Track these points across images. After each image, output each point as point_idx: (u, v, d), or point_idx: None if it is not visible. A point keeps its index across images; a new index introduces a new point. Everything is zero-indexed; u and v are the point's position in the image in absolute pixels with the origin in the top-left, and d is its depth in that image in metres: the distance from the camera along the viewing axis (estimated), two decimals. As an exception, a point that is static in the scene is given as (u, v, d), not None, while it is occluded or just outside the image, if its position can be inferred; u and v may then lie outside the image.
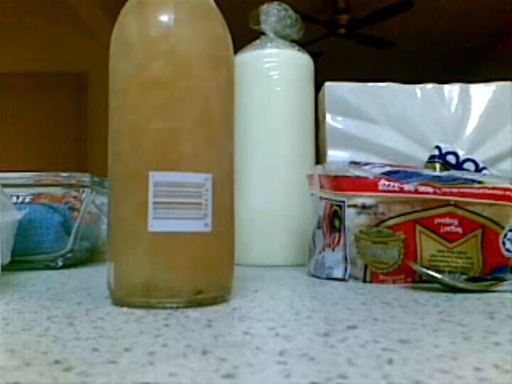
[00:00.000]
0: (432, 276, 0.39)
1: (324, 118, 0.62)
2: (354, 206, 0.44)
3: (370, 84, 0.61)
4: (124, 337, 0.24)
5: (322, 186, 0.48)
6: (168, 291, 0.31)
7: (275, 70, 0.60)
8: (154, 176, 0.31)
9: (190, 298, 0.31)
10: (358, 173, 0.45)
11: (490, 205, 0.44)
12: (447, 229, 0.43)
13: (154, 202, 0.31)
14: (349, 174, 0.45)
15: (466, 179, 0.46)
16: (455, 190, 0.44)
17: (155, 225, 0.31)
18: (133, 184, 0.32)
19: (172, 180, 0.31)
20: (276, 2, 0.62)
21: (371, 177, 0.44)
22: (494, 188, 0.45)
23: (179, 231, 0.31)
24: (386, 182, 0.44)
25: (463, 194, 0.44)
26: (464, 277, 0.43)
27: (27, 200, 0.56)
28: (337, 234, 0.45)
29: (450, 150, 0.59)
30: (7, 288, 0.40)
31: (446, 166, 0.58)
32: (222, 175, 0.33)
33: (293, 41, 0.63)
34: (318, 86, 0.63)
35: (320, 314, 0.30)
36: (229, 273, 0.34)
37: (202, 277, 0.32)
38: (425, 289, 0.39)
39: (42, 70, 3.33)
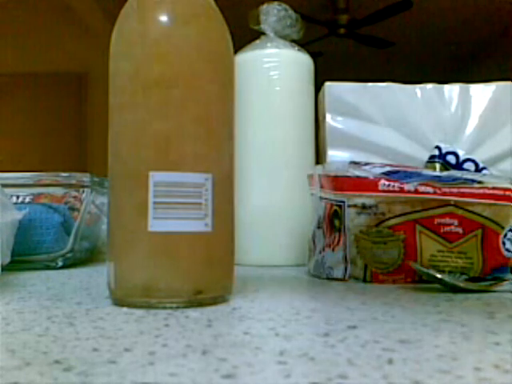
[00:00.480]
0: (432, 276, 0.39)
1: (324, 118, 0.62)
2: (354, 206, 0.44)
3: (370, 84, 0.61)
4: (124, 337, 0.24)
5: (322, 186, 0.48)
6: (168, 291, 0.31)
7: (275, 69, 0.60)
8: (154, 176, 0.31)
9: (190, 298, 0.31)
10: (358, 173, 0.45)
11: (490, 205, 0.44)
12: (447, 229, 0.43)
13: (154, 202, 0.31)
14: (349, 174, 0.45)
15: (466, 179, 0.46)
16: (455, 190, 0.44)
17: (155, 225, 0.31)
18: (133, 184, 0.32)
19: (172, 180, 0.31)
20: (276, 2, 0.62)
21: (371, 177, 0.44)
22: (494, 188, 0.45)
23: (179, 231, 0.31)
24: (386, 182, 0.44)
25: (463, 194, 0.44)
26: (464, 277, 0.43)
27: (27, 200, 0.56)
28: (337, 234, 0.45)
29: (450, 149, 0.59)
30: (7, 288, 0.40)
31: (446, 165, 0.58)
32: (221, 175, 0.33)
33: (293, 41, 0.63)
34: (317, 86, 0.63)
35: (320, 314, 0.30)
36: (229, 273, 0.34)
37: (202, 277, 0.32)
38: (425, 289, 0.39)
39: (42, 70, 3.33)
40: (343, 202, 0.44)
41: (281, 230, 0.59)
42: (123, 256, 0.32)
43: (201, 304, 0.32)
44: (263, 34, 0.63)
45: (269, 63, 0.60)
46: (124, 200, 0.32)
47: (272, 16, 0.62)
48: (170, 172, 0.31)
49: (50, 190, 0.58)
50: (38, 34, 3.32)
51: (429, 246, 0.43)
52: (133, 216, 0.31)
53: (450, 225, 0.43)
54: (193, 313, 0.30)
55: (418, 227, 0.43)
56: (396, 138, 0.60)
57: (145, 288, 0.31)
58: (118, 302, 0.32)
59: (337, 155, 0.60)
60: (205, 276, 0.32)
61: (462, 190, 0.44)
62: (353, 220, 0.44)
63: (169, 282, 0.31)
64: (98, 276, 0.48)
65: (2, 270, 0.42)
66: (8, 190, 0.51)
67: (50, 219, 0.55)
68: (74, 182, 0.58)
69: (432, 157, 0.59)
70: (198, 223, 0.31)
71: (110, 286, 0.33)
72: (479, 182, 0.45)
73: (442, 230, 0.43)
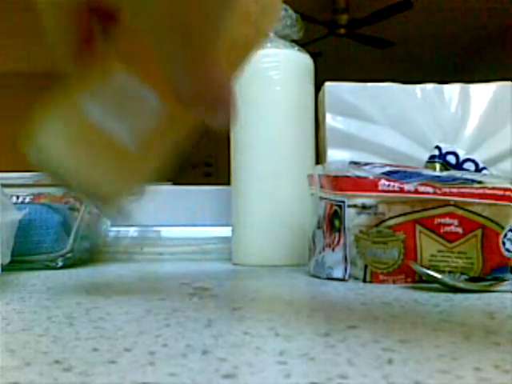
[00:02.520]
0: (432, 276, 0.39)
1: (324, 117, 0.62)
2: (354, 206, 0.44)
3: (370, 84, 0.61)
4: (124, 337, 0.24)
5: (322, 186, 0.48)
6: None
7: (275, 69, 0.60)
8: None
9: None
10: (357, 173, 0.45)
11: (490, 205, 0.44)
12: (447, 229, 0.43)
13: None
14: (349, 174, 0.45)
15: (466, 179, 0.46)
16: (455, 190, 0.44)
17: None
18: None
19: None
20: (276, 2, 0.62)
21: (371, 177, 0.44)
22: (494, 188, 0.45)
23: None
24: (386, 182, 0.44)
25: (463, 194, 0.44)
26: (464, 277, 0.43)
27: (27, 200, 0.56)
28: (337, 234, 0.45)
29: (450, 150, 0.59)
30: (7, 288, 0.40)
31: (446, 165, 0.58)
32: None
33: (293, 41, 0.63)
34: (317, 86, 0.63)
35: (320, 313, 0.30)
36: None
37: None
38: (425, 289, 0.39)
39: (42, 69, 3.33)
40: (343, 201, 0.44)
41: (281, 230, 0.59)
42: None
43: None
44: (263, 33, 0.63)
45: (269, 63, 0.60)
46: None
47: (272, 16, 0.62)
48: None
49: (50, 189, 0.58)
50: (38, 34, 3.32)
51: (429, 245, 0.43)
52: None
53: (449, 225, 0.43)
54: (193, 313, 0.30)
55: (418, 227, 0.43)
56: (396, 138, 0.60)
57: None
58: None
59: (337, 155, 0.60)
60: None
61: (462, 190, 0.44)
62: (353, 220, 0.44)
63: None
64: (98, 276, 0.48)
65: (2, 270, 0.42)
66: (8, 190, 0.51)
67: (49, 219, 0.55)
68: (73, 181, 0.58)
69: (432, 157, 0.59)
70: None
71: None
72: (479, 182, 0.45)
73: (442, 230, 0.43)
